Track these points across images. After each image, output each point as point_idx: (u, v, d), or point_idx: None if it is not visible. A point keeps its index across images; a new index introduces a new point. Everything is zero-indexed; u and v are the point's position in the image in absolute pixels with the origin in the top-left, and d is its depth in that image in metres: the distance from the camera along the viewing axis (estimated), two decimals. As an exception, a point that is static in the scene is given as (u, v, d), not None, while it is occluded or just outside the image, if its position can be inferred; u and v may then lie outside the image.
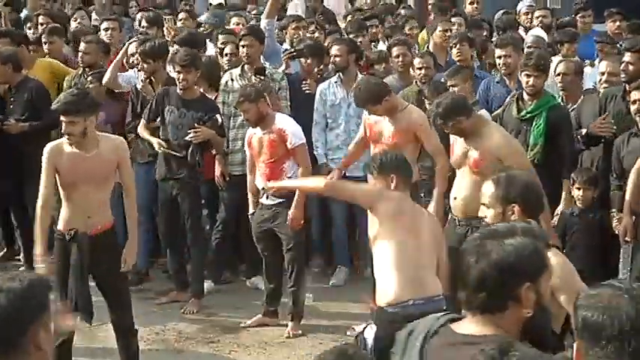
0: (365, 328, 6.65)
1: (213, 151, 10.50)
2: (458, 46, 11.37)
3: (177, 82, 10.17)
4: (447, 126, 8.43)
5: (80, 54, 11.62)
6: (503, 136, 8.51)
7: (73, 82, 11.37)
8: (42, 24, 13.55)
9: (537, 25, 13.10)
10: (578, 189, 9.12)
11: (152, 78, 10.78)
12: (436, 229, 7.25)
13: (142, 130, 10.31)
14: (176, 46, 11.26)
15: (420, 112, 9.48)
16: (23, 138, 10.87)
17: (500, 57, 10.62)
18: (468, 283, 3.83)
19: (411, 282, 6.71)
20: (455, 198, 8.62)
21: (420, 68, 10.83)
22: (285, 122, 9.65)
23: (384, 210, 6.96)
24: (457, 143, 8.60)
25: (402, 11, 15.27)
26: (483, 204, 5.82)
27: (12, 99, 11.08)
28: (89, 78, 11.07)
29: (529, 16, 13.81)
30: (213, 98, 10.75)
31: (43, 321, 3.49)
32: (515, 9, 14.68)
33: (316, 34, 12.75)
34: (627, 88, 9.32)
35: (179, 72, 10.11)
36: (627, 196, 8.67)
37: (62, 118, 7.93)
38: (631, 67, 9.43)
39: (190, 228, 10.25)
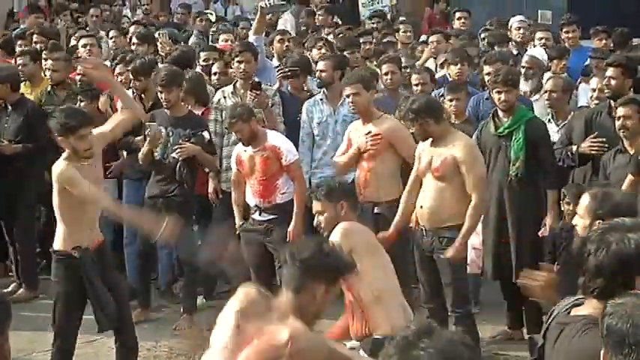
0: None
1: (206, 169, 10.43)
2: (458, 65, 11.34)
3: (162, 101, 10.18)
4: (415, 123, 8.55)
5: (48, 71, 11.62)
6: (466, 144, 8.62)
7: (42, 99, 11.39)
8: (36, 42, 13.49)
9: (539, 45, 12.92)
10: (568, 204, 9.06)
11: (142, 95, 10.72)
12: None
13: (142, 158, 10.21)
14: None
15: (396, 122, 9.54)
16: (17, 158, 10.83)
17: (488, 73, 10.57)
18: (587, 270, 4.13)
19: (400, 310, 6.65)
20: (421, 207, 8.69)
21: (417, 84, 10.83)
22: (278, 139, 9.63)
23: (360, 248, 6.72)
24: (424, 152, 8.71)
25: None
26: (577, 213, 5.84)
27: (7, 118, 10.99)
28: (79, 96, 10.98)
29: (520, 32, 13.72)
30: (200, 114, 10.72)
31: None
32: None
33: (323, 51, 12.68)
34: (612, 104, 9.30)
35: (160, 91, 10.14)
36: None
37: (83, 131, 7.84)
38: (613, 82, 9.48)
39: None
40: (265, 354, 4.81)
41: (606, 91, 9.61)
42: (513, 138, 9.18)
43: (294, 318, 4.89)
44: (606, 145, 9.25)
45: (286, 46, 12.96)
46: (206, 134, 10.15)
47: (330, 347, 5.19)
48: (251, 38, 12.30)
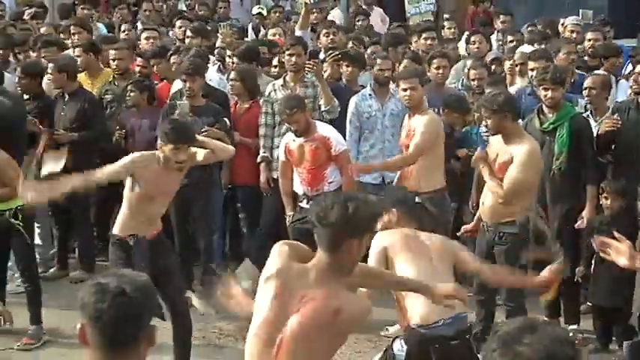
0: (393, 341, 6.61)
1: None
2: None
3: (184, 91, 10.29)
4: (494, 115, 8.46)
5: (113, 61, 11.70)
6: (530, 148, 8.52)
7: (104, 89, 11.47)
8: (73, 33, 13.44)
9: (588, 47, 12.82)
10: (606, 198, 9.07)
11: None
12: (445, 244, 7.02)
13: None
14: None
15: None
16: (72, 146, 10.89)
17: (533, 69, 10.62)
18: None
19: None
20: (483, 203, 8.66)
21: (474, 79, 10.87)
22: (327, 130, 9.72)
23: (390, 252, 6.71)
24: (492, 148, 8.67)
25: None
26: None
27: (64, 106, 11.06)
28: (129, 87, 11.05)
29: (574, 34, 13.50)
30: (247, 107, 10.94)
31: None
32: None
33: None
34: (639, 100, 9.30)
35: (184, 80, 10.23)
36: None
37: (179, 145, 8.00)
38: None
39: (201, 232, 10.34)
40: (317, 320, 4.85)
41: (634, 86, 9.60)
42: (557, 134, 9.21)
43: (334, 279, 4.91)
44: (619, 122, 9.22)
45: (331, 39, 12.97)
46: (227, 121, 10.18)
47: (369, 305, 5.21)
48: (297, 33, 12.39)
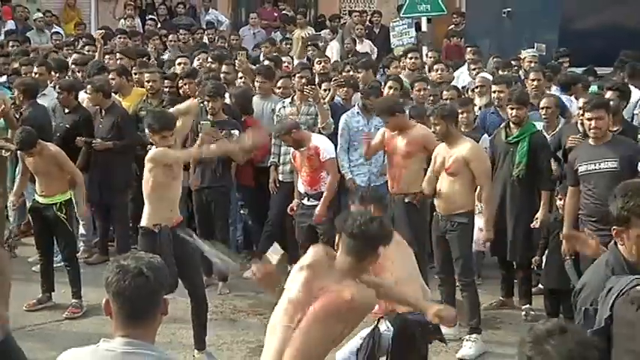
0: (379, 321, 6.56)
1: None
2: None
3: (207, 109, 10.27)
4: (442, 122, 8.57)
5: (147, 82, 11.70)
6: (473, 146, 8.66)
7: (139, 107, 11.49)
8: (120, 59, 13.62)
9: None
10: (560, 199, 9.05)
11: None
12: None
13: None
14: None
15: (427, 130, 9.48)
16: (108, 153, 10.95)
17: (495, 92, 10.73)
18: None
19: (422, 292, 6.63)
20: (438, 196, 8.77)
21: (446, 99, 10.92)
22: (319, 141, 9.80)
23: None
24: (439, 155, 8.74)
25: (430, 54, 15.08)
26: None
27: (101, 120, 11.08)
28: (165, 105, 10.91)
29: (531, 63, 13.33)
30: (243, 120, 10.80)
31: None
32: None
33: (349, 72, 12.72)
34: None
35: (208, 101, 10.21)
36: (565, 224, 8.63)
37: (165, 133, 7.95)
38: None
39: (219, 229, 10.28)
40: (331, 307, 4.96)
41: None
42: (519, 146, 9.23)
43: (351, 278, 5.07)
44: (582, 139, 9.08)
45: (322, 66, 12.88)
46: (236, 132, 10.04)
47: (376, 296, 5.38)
48: (296, 62, 12.42)
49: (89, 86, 11.11)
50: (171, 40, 17.00)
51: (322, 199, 9.66)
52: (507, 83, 10.91)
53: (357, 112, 10.70)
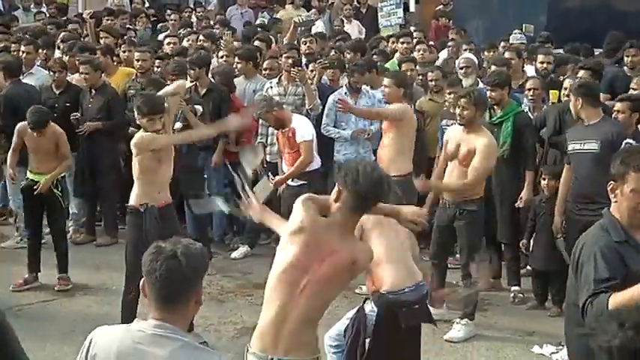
0: (364, 302, 6.54)
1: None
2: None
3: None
4: (471, 108, 8.35)
5: (137, 61, 11.62)
6: (489, 142, 8.44)
7: (127, 85, 11.39)
8: (106, 38, 13.54)
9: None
10: (544, 179, 9.06)
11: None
12: (408, 233, 6.86)
13: None
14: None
15: None
16: (99, 134, 10.93)
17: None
18: None
19: (404, 272, 6.54)
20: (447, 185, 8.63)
21: (431, 80, 10.96)
22: (298, 122, 9.74)
23: (367, 230, 6.47)
24: (451, 140, 8.58)
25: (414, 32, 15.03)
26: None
27: (91, 99, 11.00)
28: (149, 86, 10.75)
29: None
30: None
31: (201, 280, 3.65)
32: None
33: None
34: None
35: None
36: (558, 201, 8.70)
37: (152, 116, 7.91)
38: None
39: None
40: (337, 269, 4.95)
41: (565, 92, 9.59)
42: (503, 126, 9.21)
43: (349, 232, 5.06)
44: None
45: (308, 46, 12.69)
46: (199, 107, 10.14)
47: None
48: (284, 43, 12.39)
49: (87, 65, 10.97)
50: (172, 20, 16.82)
51: (288, 172, 9.66)
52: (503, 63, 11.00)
53: (345, 93, 10.65)
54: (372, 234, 6.40)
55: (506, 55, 11.55)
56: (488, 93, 9.29)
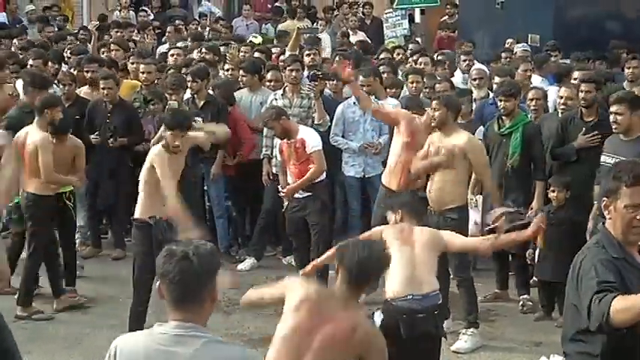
0: (374, 312, 6.58)
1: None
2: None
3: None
4: (442, 109, 8.52)
5: (142, 73, 11.59)
6: (470, 138, 8.67)
7: (133, 97, 11.38)
8: (116, 50, 13.53)
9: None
10: (553, 191, 9.07)
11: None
12: (433, 237, 7.02)
13: None
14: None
15: None
16: (117, 149, 10.94)
17: (497, 83, 10.74)
18: None
19: (409, 280, 6.61)
20: (429, 192, 8.68)
21: (439, 91, 10.79)
22: (306, 133, 9.69)
23: (385, 238, 6.66)
24: (432, 145, 8.67)
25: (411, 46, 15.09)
26: None
27: (108, 114, 10.90)
28: (152, 100, 10.92)
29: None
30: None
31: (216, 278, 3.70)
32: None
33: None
34: (583, 112, 9.38)
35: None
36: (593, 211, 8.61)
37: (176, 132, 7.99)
38: (589, 95, 9.40)
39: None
40: (336, 339, 5.01)
41: (582, 102, 9.55)
42: (512, 137, 9.24)
43: (352, 306, 5.14)
44: (600, 138, 9.13)
45: (312, 58, 12.51)
46: (199, 119, 9.99)
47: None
48: (287, 54, 12.35)
49: (110, 80, 10.85)
50: (168, 32, 16.92)
51: (298, 182, 9.55)
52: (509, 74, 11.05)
53: (354, 103, 10.65)
54: (388, 244, 6.46)
55: (522, 67, 11.61)
56: (501, 103, 9.34)
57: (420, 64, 12.87)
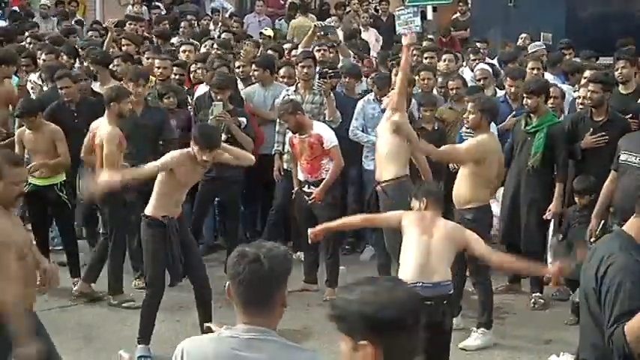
0: None
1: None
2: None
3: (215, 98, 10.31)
4: (477, 113, 8.53)
5: (157, 69, 11.45)
6: (490, 138, 8.67)
7: (147, 93, 11.03)
8: (127, 45, 13.48)
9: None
10: (577, 195, 9.09)
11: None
12: (455, 231, 7.09)
13: None
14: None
15: None
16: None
17: (511, 86, 10.76)
18: None
19: (422, 268, 6.72)
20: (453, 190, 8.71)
21: (452, 89, 11.01)
22: (321, 129, 9.71)
23: (404, 224, 6.99)
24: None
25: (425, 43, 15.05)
26: None
27: (139, 116, 10.15)
28: (166, 94, 10.86)
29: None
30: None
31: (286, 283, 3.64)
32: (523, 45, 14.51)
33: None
34: (593, 111, 9.39)
35: (216, 93, 10.28)
36: (598, 205, 8.71)
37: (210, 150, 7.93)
38: (595, 95, 9.38)
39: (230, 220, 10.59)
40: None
41: (589, 101, 9.55)
42: (537, 136, 9.24)
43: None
44: (606, 139, 9.18)
45: (322, 54, 12.35)
46: (243, 120, 10.19)
47: None
48: (300, 49, 12.34)
49: (140, 79, 10.21)
50: (183, 27, 16.86)
51: (323, 183, 9.56)
52: (521, 75, 11.03)
53: (373, 99, 10.68)
54: (407, 231, 6.91)
55: (530, 64, 11.57)
56: (526, 101, 9.33)
57: (445, 61, 12.66)
